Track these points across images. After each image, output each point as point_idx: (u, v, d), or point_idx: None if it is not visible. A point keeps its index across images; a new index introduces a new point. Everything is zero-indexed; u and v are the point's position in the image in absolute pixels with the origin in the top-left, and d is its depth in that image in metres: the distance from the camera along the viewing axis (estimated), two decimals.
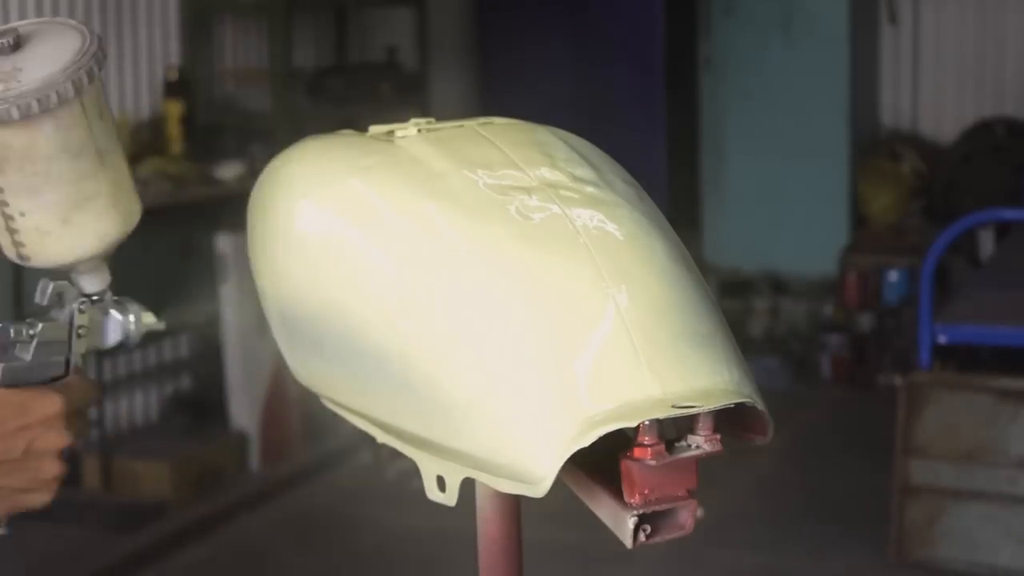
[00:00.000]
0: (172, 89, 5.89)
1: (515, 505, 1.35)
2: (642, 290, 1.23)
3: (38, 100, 1.23)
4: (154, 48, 6.02)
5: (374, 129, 1.44)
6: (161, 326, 1.44)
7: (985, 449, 4.54)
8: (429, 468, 1.30)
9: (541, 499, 1.23)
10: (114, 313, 1.41)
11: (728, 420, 1.22)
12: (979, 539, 4.53)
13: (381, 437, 1.36)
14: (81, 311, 1.37)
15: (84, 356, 1.38)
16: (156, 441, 5.55)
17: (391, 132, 1.41)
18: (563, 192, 1.29)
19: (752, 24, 7.50)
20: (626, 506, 1.20)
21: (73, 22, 1.31)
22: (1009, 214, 5.69)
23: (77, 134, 1.27)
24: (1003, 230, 6.51)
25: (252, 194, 1.47)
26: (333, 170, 1.38)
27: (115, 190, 1.32)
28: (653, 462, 1.18)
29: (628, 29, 7.42)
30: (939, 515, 4.56)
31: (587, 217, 1.27)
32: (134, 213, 1.35)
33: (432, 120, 1.43)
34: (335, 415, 1.44)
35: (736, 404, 1.20)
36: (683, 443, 1.20)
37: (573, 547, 4.65)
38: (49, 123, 1.25)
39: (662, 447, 1.18)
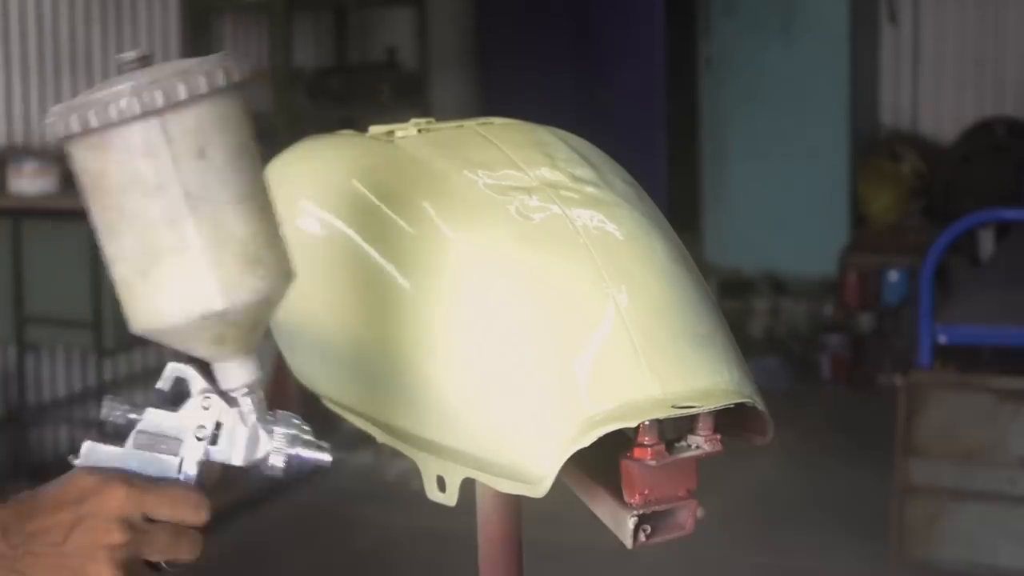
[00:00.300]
0: None
1: (515, 505, 1.35)
2: (642, 290, 1.23)
3: (95, 112, 1.05)
4: (154, 48, 6.02)
5: (374, 129, 1.44)
6: (323, 458, 1.15)
7: (985, 449, 4.53)
8: (429, 468, 1.30)
9: (541, 499, 1.23)
10: (258, 425, 1.14)
11: (728, 420, 1.22)
12: (979, 539, 4.53)
13: (381, 437, 1.36)
14: (205, 408, 1.13)
15: (201, 466, 1.14)
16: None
17: (391, 132, 1.41)
18: (563, 192, 1.29)
19: (752, 24, 7.50)
20: (626, 506, 1.20)
21: (221, 54, 1.11)
22: (1009, 214, 5.69)
23: (153, 165, 1.05)
24: (1003, 230, 6.51)
25: None
26: (333, 170, 1.38)
27: (213, 250, 1.06)
28: (653, 462, 1.18)
29: (628, 29, 7.42)
30: (939, 515, 4.56)
31: (587, 217, 1.27)
32: (246, 288, 1.08)
33: (432, 120, 1.43)
34: (335, 415, 1.44)
35: (736, 404, 1.20)
36: (683, 443, 1.20)
37: (573, 547, 4.65)
38: (117, 145, 1.06)
39: (662, 447, 1.18)
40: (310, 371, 1.43)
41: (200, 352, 1.13)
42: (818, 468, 5.57)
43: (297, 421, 1.15)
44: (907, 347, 5.96)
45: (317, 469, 1.15)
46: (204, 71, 1.07)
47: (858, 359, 6.69)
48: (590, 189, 1.30)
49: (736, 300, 7.18)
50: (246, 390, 1.13)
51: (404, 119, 1.44)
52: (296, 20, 6.30)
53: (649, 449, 1.17)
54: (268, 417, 1.14)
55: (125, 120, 1.05)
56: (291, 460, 1.14)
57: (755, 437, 1.26)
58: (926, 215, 7.42)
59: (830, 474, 5.51)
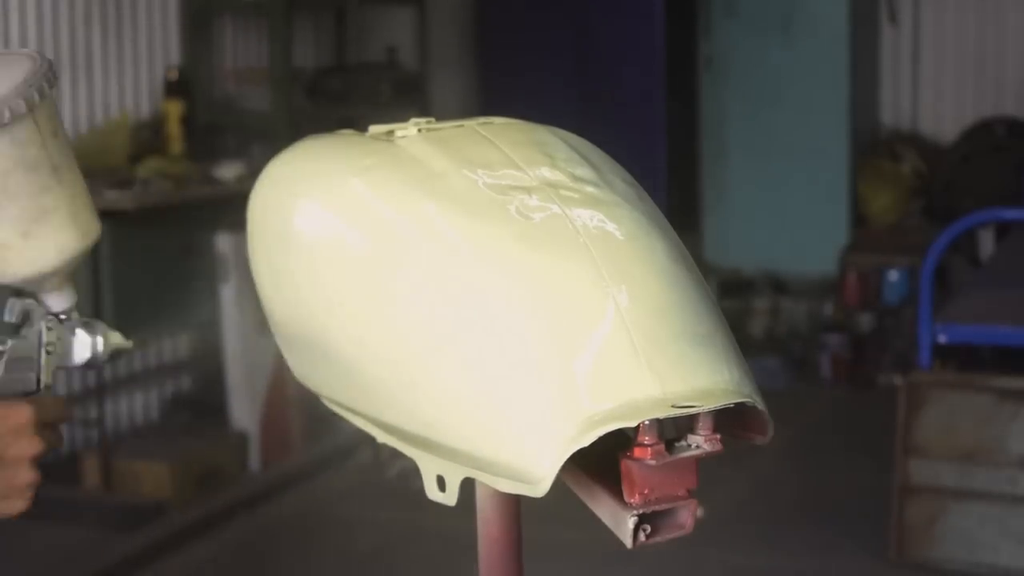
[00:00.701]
0: (172, 89, 5.89)
1: (515, 505, 1.35)
2: (642, 290, 1.23)
3: None
4: (154, 48, 6.02)
5: (374, 129, 1.44)
6: (128, 345, 1.49)
7: (985, 449, 4.53)
8: (429, 468, 1.30)
9: (541, 499, 1.23)
10: (81, 332, 1.45)
11: (728, 420, 1.22)
12: (979, 539, 4.53)
13: (381, 437, 1.36)
14: (49, 328, 1.41)
15: (53, 373, 1.42)
16: (156, 441, 5.55)
17: (391, 132, 1.41)
18: (563, 192, 1.29)
19: (752, 24, 7.50)
20: (626, 506, 1.20)
21: (27, 51, 1.38)
22: (1009, 214, 5.69)
23: (32, 149, 1.32)
24: (1003, 230, 6.51)
25: (252, 194, 1.47)
26: (333, 170, 1.38)
27: (72, 204, 1.37)
28: (653, 462, 1.18)
29: (628, 29, 7.42)
30: (939, 515, 4.56)
31: (587, 217, 1.27)
32: (93, 229, 1.40)
33: (432, 120, 1.43)
34: (335, 415, 1.44)
35: (736, 404, 1.20)
36: (683, 443, 1.20)
37: (573, 547, 4.65)
38: (3, 139, 1.31)
39: (662, 447, 1.18)
40: (310, 371, 1.43)
41: (49, 287, 1.40)
42: (818, 468, 5.58)
43: (103, 324, 1.47)
44: (907, 347, 5.97)
45: (120, 352, 1.48)
46: (50, 69, 1.35)
47: (858, 359, 6.69)
48: (590, 189, 1.30)
49: (736, 300, 7.18)
50: (73, 310, 1.43)
51: (404, 119, 1.44)
52: (296, 20, 6.30)
53: (649, 449, 1.18)
54: (86, 325, 1.46)
55: (18, 118, 1.31)
56: (111, 352, 1.47)
57: (755, 437, 1.26)
58: (926, 215, 7.42)
59: (830, 474, 5.51)
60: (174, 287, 5.32)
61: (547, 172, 1.31)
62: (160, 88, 5.96)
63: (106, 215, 5.09)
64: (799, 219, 7.45)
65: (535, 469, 1.17)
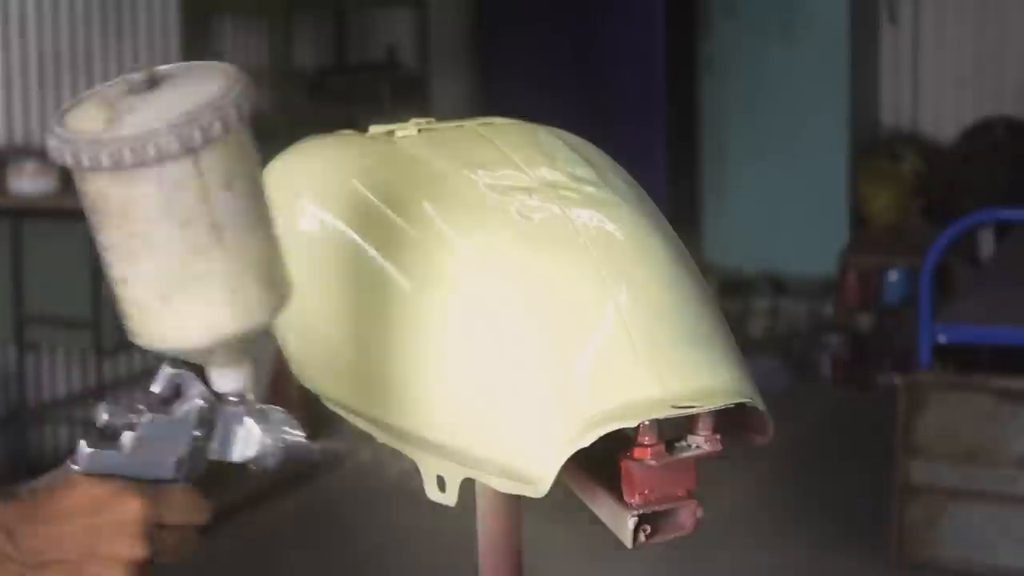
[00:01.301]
0: None
1: (515, 505, 1.35)
2: (642, 290, 1.23)
3: (132, 150, 1.05)
4: (154, 48, 6.02)
5: (374, 129, 1.44)
6: (313, 448, 1.20)
7: (985, 449, 4.53)
8: (429, 468, 1.30)
9: (541, 499, 1.23)
10: (250, 422, 1.18)
11: (728, 420, 1.22)
12: (979, 539, 4.53)
13: (381, 437, 1.36)
14: (201, 410, 1.15)
15: (201, 464, 1.18)
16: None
17: (391, 132, 1.41)
18: (563, 192, 1.29)
19: (752, 24, 7.50)
20: (626, 506, 1.20)
21: (225, 65, 1.13)
22: (1009, 214, 5.69)
23: (185, 199, 1.07)
24: (1003, 230, 6.50)
25: None
26: (333, 170, 1.38)
27: (235, 276, 1.10)
28: (653, 462, 1.18)
29: (628, 29, 7.42)
30: (939, 515, 4.56)
31: (587, 217, 1.27)
32: (262, 309, 1.12)
33: (432, 120, 1.43)
34: (335, 415, 1.44)
35: (736, 404, 1.20)
36: (683, 443, 1.20)
37: (573, 547, 4.65)
38: (150, 179, 1.06)
39: (662, 447, 1.18)
40: (310, 371, 1.43)
41: (203, 362, 1.15)
42: (818, 468, 5.57)
43: (285, 417, 1.19)
44: (907, 347, 5.96)
45: (305, 460, 1.20)
46: (233, 103, 1.08)
47: (858, 359, 6.69)
48: (590, 189, 1.30)
49: (736, 300, 7.18)
50: (240, 392, 1.17)
51: (404, 119, 1.44)
52: (296, 20, 6.30)
53: (649, 449, 1.18)
54: (259, 415, 1.18)
55: (162, 159, 1.06)
56: (282, 455, 1.18)
57: (755, 437, 1.26)
58: (926, 215, 7.41)
59: (830, 474, 5.51)
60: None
61: (547, 172, 1.31)
62: None
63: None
64: (799, 219, 7.44)
65: (535, 469, 1.18)
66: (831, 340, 6.76)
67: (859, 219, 7.49)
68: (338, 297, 1.33)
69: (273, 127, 5.92)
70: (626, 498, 1.20)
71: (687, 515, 1.23)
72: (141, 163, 1.05)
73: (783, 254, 7.41)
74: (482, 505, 1.35)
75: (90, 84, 5.71)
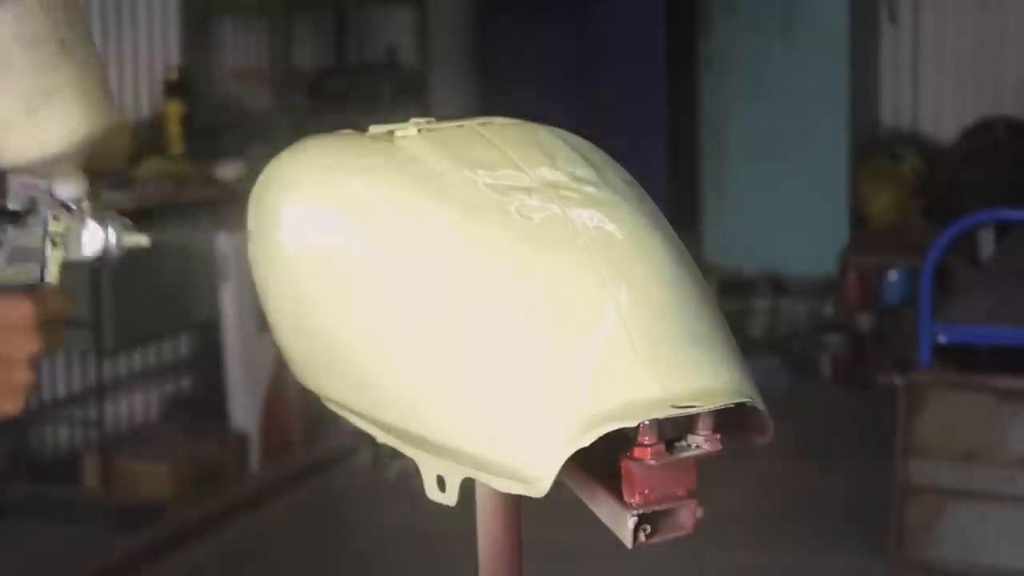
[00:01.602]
0: (172, 89, 5.89)
1: (515, 505, 1.35)
2: (642, 290, 1.23)
3: None
4: (154, 48, 6.02)
5: (374, 129, 1.44)
6: (145, 242, 1.40)
7: (985, 449, 4.53)
8: (429, 468, 1.30)
9: (541, 499, 1.23)
10: (92, 223, 1.36)
11: (728, 420, 1.22)
12: (979, 539, 4.53)
13: (381, 437, 1.36)
14: (55, 218, 1.32)
15: (60, 266, 1.36)
16: (156, 441, 5.55)
17: (391, 132, 1.41)
18: (563, 192, 1.29)
19: (752, 24, 7.50)
20: (626, 506, 1.20)
21: None
22: (1009, 214, 5.69)
23: (33, 23, 1.22)
24: (1003, 230, 6.51)
25: (251, 195, 1.47)
26: (332, 170, 1.38)
27: (82, 84, 1.27)
28: (653, 462, 1.18)
29: (628, 29, 7.42)
30: (939, 515, 4.56)
31: (587, 217, 1.27)
32: (105, 111, 1.29)
33: (432, 120, 1.43)
34: (335, 415, 1.44)
35: (736, 404, 1.20)
36: (683, 443, 1.20)
37: (573, 547, 4.65)
38: (3, 11, 1.21)
39: (662, 447, 1.18)
40: (310, 371, 1.43)
41: (57, 172, 1.30)
42: (818, 468, 5.57)
43: (121, 219, 1.37)
44: (907, 347, 5.96)
45: (136, 247, 1.39)
46: None
47: (858, 359, 6.69)
48: (590, 189, 1.30)
49: (736, 300, 7.18)
50: (84, 198, 1.33)
51: (404, 119, 1.44)
52: (296, 20, 6.30)
53: (649, 449, 1.18)
54: (99, 218, 1.36)
55: None
56: (123, 247, 1.38)
57: (755, 437, 1.26)
58: (926, 215, 7.41)
59: (830, 474, 5.51)
60: (174, 287, 5.32)
61: (547, 172, 1.31)
62: (160, 88, 5.95)
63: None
64: (799, 219, 7.44)
65: (535, 469, 1.18)
66: (831, 340, 6.76)
67: (859, 219, 7.49)
68: (337, 297, 1.33)
69: (273, 127, 5.92)
70: (626, 498, 1.21)
71: (687, 515, 1.23)
72: None
73: (783, 254, 7.41)
74: (482, 505, 1.35)
75: None
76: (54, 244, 1.33)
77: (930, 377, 4.65)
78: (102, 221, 1.35)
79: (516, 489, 1.20)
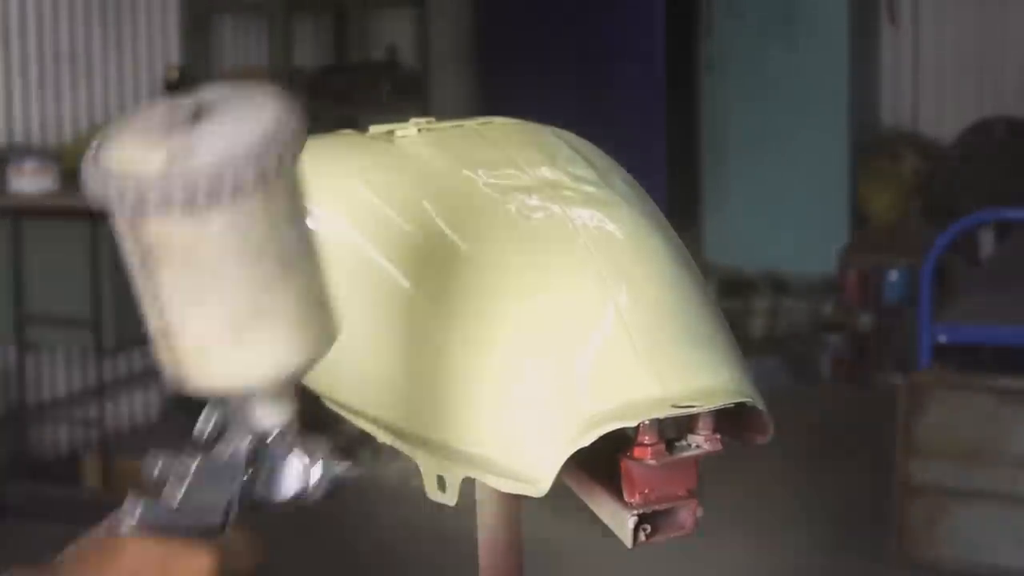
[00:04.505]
0: (172, 89, 5.89)
1: (515, 505, 1.35)
2: (642, 291, 1.23)
3: (208, 188, 0.98)
4: (154, 48, 6.02)
5: (374, 129, 1.43)
6: (355, 474, 1.17)
7: (985, 449, 4.53)
8: (429, 468, 1.30)
9: (541, 499, 1.23)
10: (295, 458, 1.12)
11: (728, 420, 1.22)
12: (979, 539, 4.53)
13: (382, 437, 1.36)
14: (252, 451, 1.10)
15: (251, 507, 1.14)
16: (156, 441, 5.54)
17: (391, 132, 1.41)
18: (563, 192, 1.29)
19: (753, 24, 7.50)
20: (626, 505, 1.20)
21: (270, 89, 1.07)
22: (1009, 214, 5.69)
23: (256, 235, 1.01)
24: (1003, 230, 6.51)
25: None
26: (331, 170, 1.38)
27: (301, 309, 1.04)
28: (653, 461, 1.18)
29: (628, 29, 7.42)
30: (939, 515, 4.56)
31: (587, 217, 1.27)
32: (325, 338, 1.07)
33: (432, 120, 1.43)
34: (335, 415, 1.44)
35: (736, 404, 1.20)
36: (683, 443, 1.20)
37: (573, 547, 4.65)
38: (220, 217, 0.99)
39: (662, 447, 1.18)
40: (311, 371, 1.43)
41: (261, 398, 1.09)
42: (818, 468, 5.57)
43: (326, 447, 1.15)
44: (907, 347, 5.96)
45: (348, 486, 1.17)
46: (297, 129, 1.04)
47: (858, 359, 6.69)
48: (590, 189, 1.30)
49: (736, 300, 7.18)
50: (284, 427, 1.11)
51: (404, 119, 1.44)
52: (296, 20, 6.30)
53: (649, 448, 1.18)
54: (303, 449, 1.14)
55: (237, 191, 0.98)
56: (327, 487, 1.16)
57: (755, 437, 1.26)
58: (926, 215, 7.41)
59: (830, 474, 5.51)
60: None
61: (547, 172, 1.31)
62: (160, 88, 5.95)
63: (106, 215, 5.09)
64: (799, 219, 7.44)
65: (536, 469, 1.18)
66: (831, 340, 6.76)
67: (859, 219, 7.49)
68: (337, 297, 1.33)
69: None
70: (626, 497, 1.21)
71: (687, 514, 1.23)
72: (216, 198, 0.98)
73: (783, 254, 7.40)
74: (482, 505, 1.35)
75: (90, 84, 5.72)
76: (246, 481, 1.10)
77: (930, 377, 4.64)
78: (309, 453, 1.13)
79: (517, 489, 1.20)
